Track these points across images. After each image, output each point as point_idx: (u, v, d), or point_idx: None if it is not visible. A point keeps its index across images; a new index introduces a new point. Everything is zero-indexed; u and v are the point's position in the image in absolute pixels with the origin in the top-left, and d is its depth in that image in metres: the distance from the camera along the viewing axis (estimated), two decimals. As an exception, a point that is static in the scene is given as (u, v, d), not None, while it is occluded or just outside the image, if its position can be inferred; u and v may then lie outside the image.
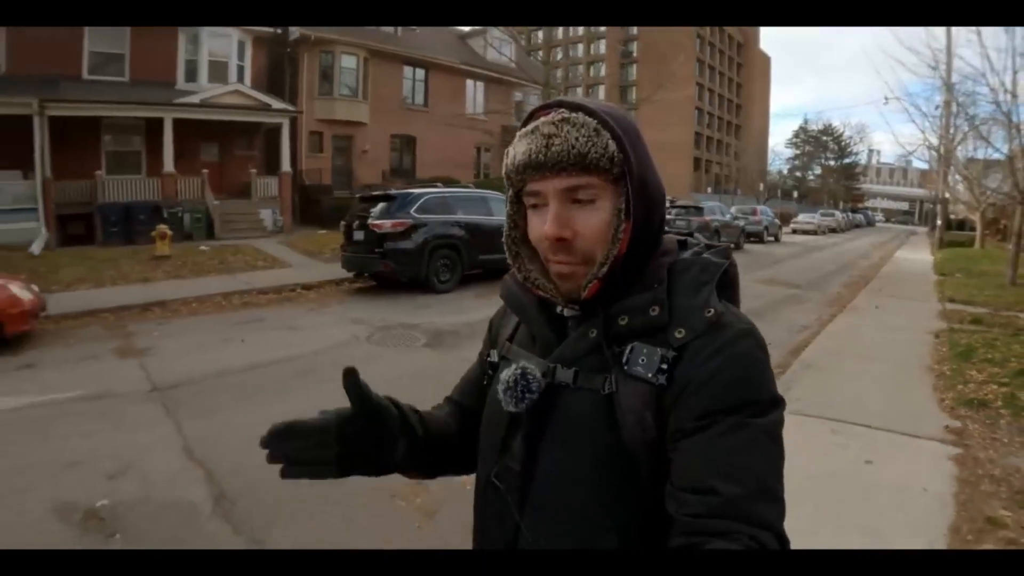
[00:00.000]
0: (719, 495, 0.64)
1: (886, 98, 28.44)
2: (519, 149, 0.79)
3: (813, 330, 7.29)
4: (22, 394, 4.76)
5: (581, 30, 59.70)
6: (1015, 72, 11.24)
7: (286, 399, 4.58)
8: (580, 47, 62.73)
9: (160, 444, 3.82)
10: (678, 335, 0.73)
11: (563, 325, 0.84)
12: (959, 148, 20.70)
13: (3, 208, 13.21)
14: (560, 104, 0.80)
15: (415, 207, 9.38)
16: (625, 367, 0.75)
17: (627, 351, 0.76)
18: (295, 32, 18.47)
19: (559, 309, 0.84)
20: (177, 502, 3.11)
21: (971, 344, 5.98)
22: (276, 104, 16.80)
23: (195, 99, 15.50)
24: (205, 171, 15.78)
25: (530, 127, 0.79)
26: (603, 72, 58.19)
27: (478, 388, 0.98)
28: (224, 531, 2.87)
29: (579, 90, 56.84)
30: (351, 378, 0.77)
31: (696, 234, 0.92)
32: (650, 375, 0.73)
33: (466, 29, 26.89)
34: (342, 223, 10.05)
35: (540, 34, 46.70)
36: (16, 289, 6.25)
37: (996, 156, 15.91)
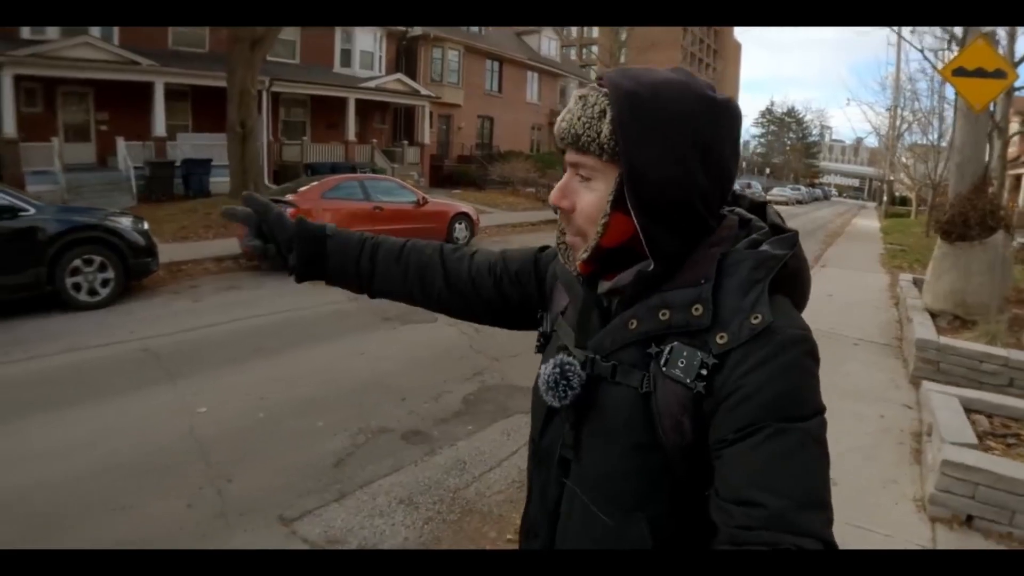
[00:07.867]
0: (764, 507, 0.62)
1: (848, 99, 35.37)
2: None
3: (820, 252, 14.08)
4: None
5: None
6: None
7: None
8: (574, 29, 67.68)
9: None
10: (720, 340, 0.69)
11: (608, 308, 0.82)
12: (906, 133, 26.42)
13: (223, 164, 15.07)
14: (605, 80, 0.76)
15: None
16: (664, 368, 0.72)
17: (666, 351, 0.72)
18: (416, 30, 23.12)
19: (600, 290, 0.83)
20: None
21: (896, 253, 13.06)
22: (423, 91, 21.99)
23: (371, 84, 20.21)
24: (375, 140, 20.76)
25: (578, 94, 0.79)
26: (595, 54, 63.90)
27: (501, 283, 1.01)
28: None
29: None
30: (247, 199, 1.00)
31: (771, 206, 0.83)
32: (688, 380, 0.70)
33: (520, 27, 32.19)
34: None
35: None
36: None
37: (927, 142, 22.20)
